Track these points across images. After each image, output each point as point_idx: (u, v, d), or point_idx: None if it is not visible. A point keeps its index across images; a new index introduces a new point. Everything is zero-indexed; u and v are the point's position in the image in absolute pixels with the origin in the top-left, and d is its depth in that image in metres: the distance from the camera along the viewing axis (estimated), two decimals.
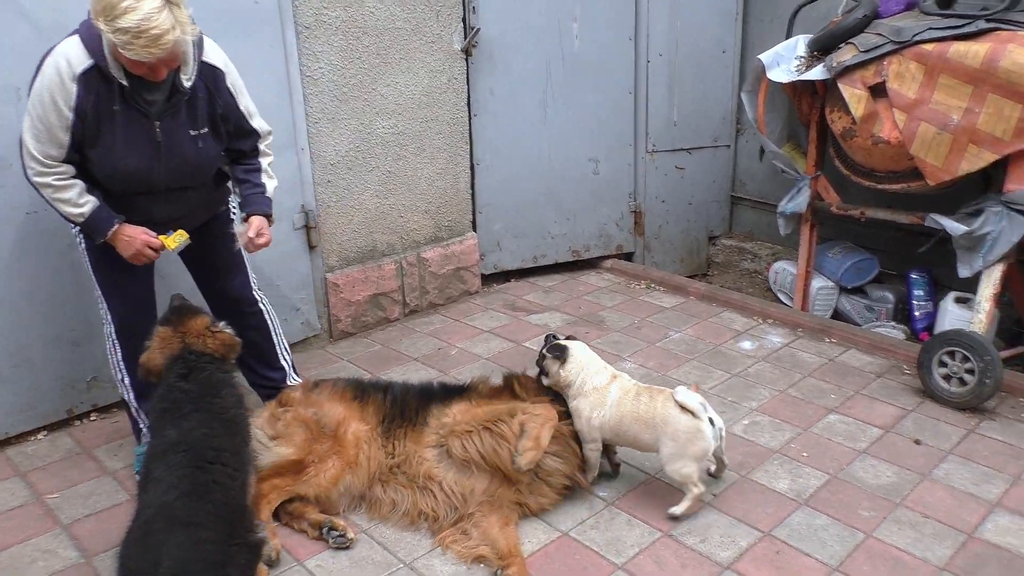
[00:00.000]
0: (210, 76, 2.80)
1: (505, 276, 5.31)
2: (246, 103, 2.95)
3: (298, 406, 3.00)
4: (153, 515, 2.26)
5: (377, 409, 3.02)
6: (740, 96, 4.99)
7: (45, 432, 3.54)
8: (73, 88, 2.57)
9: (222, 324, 2.84)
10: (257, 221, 3.01)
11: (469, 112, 4.80)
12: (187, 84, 2.72)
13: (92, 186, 2.76)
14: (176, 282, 3.36)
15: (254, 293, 3.29)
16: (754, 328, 4.48)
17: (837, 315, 4.91)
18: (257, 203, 3.04)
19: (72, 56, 2.57)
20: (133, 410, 3.20)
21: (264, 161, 3.08)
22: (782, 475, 3.10)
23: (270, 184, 3.09)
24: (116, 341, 3.07)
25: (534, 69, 4.90)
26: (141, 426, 3.19)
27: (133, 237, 2.82)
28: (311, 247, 4.23)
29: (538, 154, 5.09)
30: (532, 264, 5.33)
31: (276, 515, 2.83)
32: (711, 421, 2.77)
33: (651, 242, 5.62)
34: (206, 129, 2.83)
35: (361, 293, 4.47)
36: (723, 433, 2.86)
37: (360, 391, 3.10)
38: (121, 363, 3.09)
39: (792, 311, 4.72)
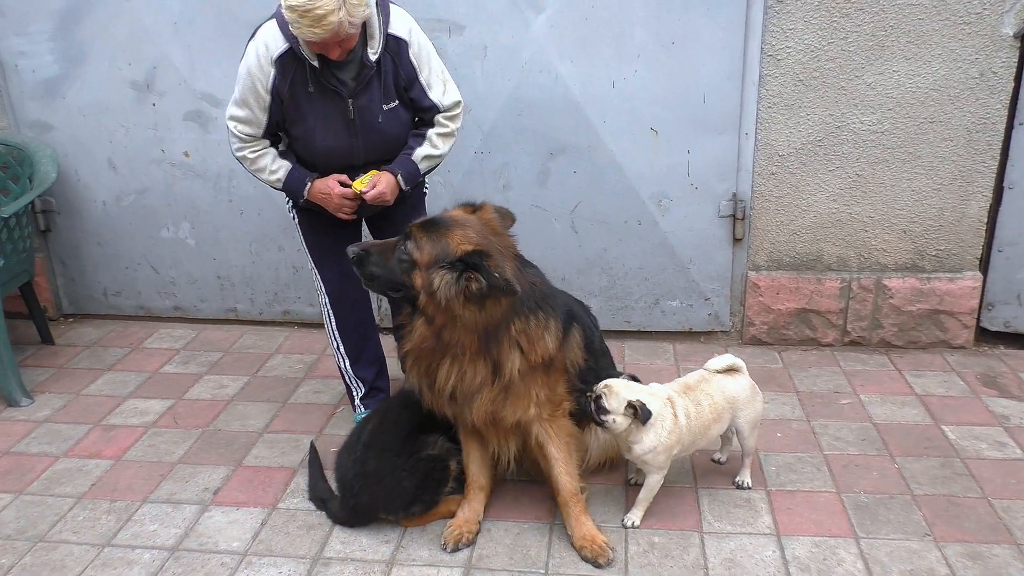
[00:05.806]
0: (395, 48, 2.76)
1: (1020, 341, 3.96)
2: (427, 76, 2.83)
3: None
4: (367, 427, 2.85)
5: None
6: None
7: None
8: (271, 71, 2.69)
9: None
10: (380, 177, 2.84)
11: (1010, 118, 3.63)
12: (373, 58, 2.71)
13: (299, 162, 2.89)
14: None
15: None
16: None
17: None
18: (397, 162, 2.89)
19: (270, 39, 2.68)
20: (348, 377, 3.24)
21: (434, 130, 2.91)
22: None
23: (423, 150, 2.90)
24: (330, 310, 3.14)
25: None
26: (354, 393, 3.26)
27: (329, 191, 2.85)
28: (735, 239, 3.94)
29: None
30: None
31: None
32: None
33: None
34: (396, 103, 2.82)
35: (786, 303, 3.97)
36: None
37: None
38: (335, 331, 3.16)
39: None
